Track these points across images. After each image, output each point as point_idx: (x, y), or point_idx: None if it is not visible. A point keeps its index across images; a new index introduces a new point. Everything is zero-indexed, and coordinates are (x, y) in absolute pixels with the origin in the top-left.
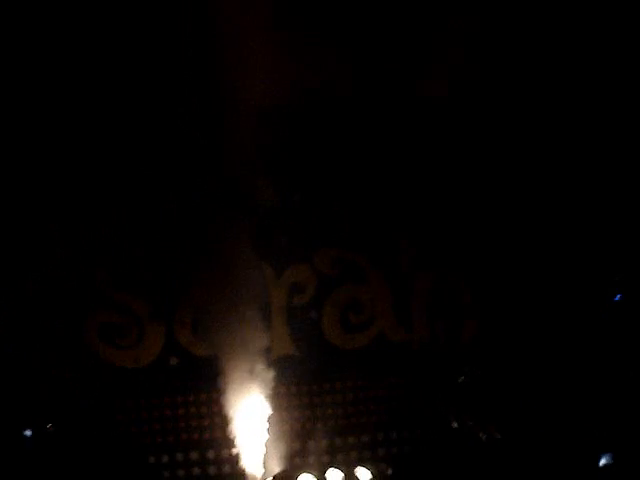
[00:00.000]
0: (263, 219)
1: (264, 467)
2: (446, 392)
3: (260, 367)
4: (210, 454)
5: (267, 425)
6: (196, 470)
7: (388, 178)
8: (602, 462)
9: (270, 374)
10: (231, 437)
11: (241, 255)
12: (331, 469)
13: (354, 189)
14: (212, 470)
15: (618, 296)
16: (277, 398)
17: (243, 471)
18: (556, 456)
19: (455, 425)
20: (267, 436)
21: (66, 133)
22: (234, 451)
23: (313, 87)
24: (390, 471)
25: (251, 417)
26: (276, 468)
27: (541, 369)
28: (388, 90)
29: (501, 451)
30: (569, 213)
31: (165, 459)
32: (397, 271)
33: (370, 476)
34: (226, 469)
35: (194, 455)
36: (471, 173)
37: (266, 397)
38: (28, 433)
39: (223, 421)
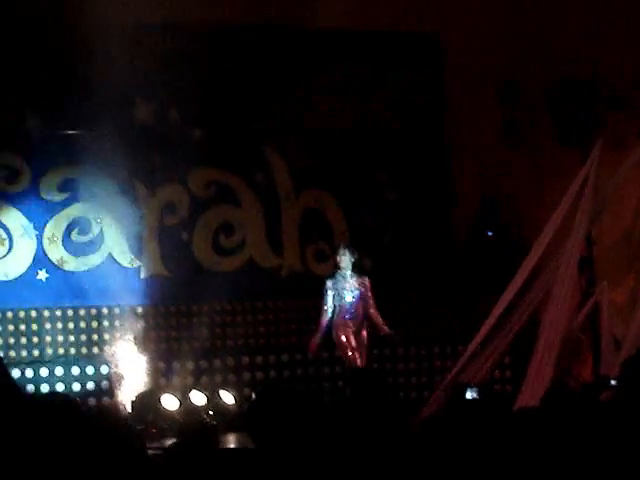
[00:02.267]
0: (138, 137)
1: (128, 385)
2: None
3: (128, 285)
4: (74, 370)
5: (133, 343)
6: (60, 386)
7: (266, 100)
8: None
9: (139, 292)
10: (95, 354)
11: (115, 173)
12: (194, 391)
13: (231, 111)
14: (76, 386)
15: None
16: (145, 317)
17: (107, 388)
18: None
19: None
20: (133, 355)
21: None
22: (98, 368)
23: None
24: (254, 396)
25: (116, 336)
26: (140, 387)
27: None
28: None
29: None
30: None
31: (29, 373)
32: (271, 195)
33: (233, 400)
34: (89, 385)
35: (58, 370)
36: None
37: (134, 316)
38: None
39: (88, 338)
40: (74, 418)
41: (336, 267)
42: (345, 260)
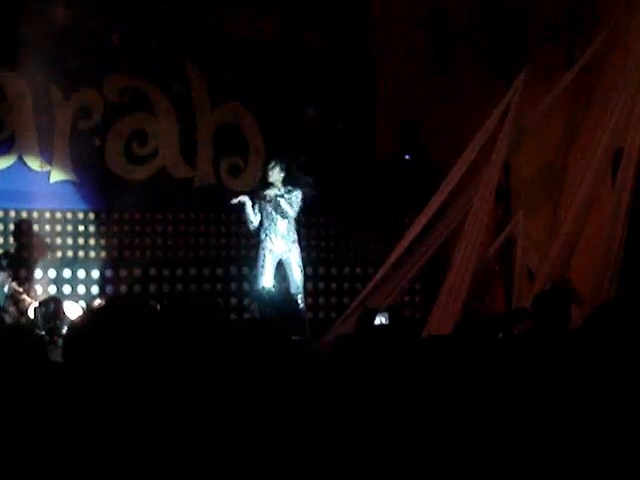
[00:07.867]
0: (54, 40)
1: (31, 292)
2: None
3: (37, 190)
4: None
5: (41, 249)
6: None
7: (185, 8)
8: None
9: (48, 197)
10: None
11: (30, 75)
12: (98, 300)
13: (149, 18)
14: None
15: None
16: (52, 222)
17: (18, 296)
18: None
19: None
20: (42, 260)
21: None
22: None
23: None
24: (158, 307)
25: (23, 240)
26: (44, 294)
27: None
28: None
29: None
30: None
31: None
32: (187, 106)
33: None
34: None
35: None
36: None
37: (41, 220)
38: None
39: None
40: None
41: (262, 182)
42: (274, 174)
